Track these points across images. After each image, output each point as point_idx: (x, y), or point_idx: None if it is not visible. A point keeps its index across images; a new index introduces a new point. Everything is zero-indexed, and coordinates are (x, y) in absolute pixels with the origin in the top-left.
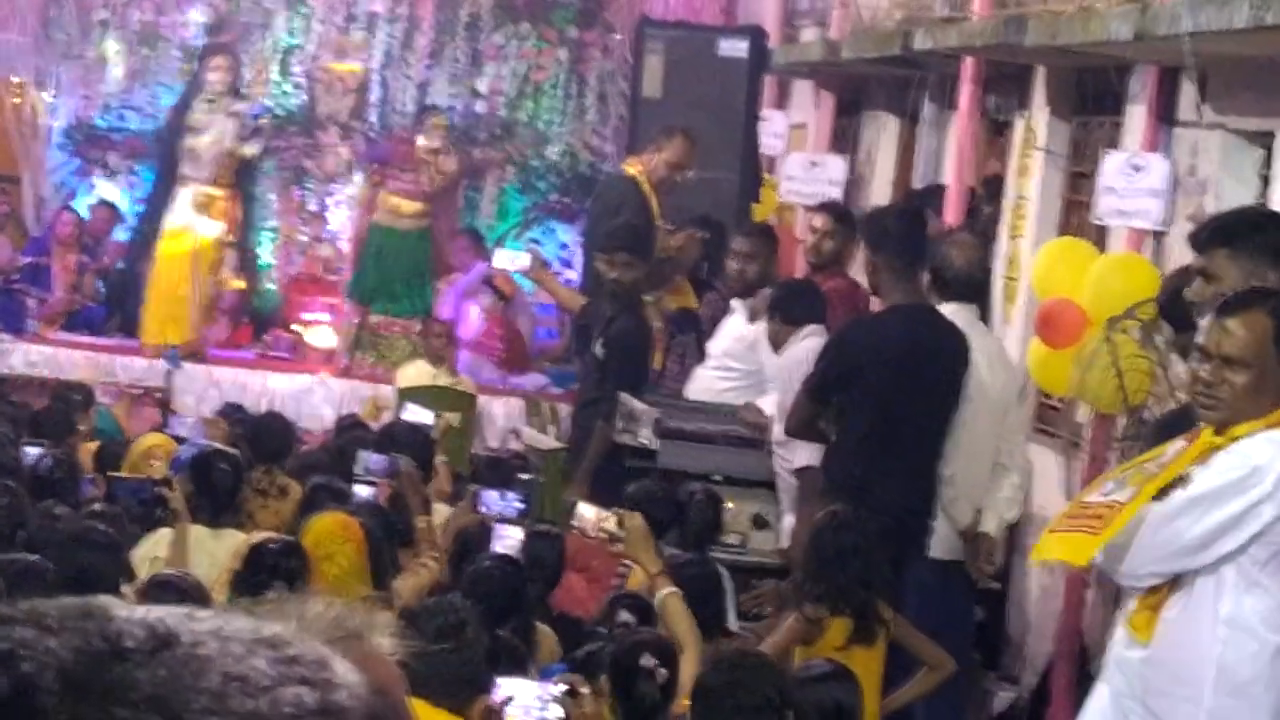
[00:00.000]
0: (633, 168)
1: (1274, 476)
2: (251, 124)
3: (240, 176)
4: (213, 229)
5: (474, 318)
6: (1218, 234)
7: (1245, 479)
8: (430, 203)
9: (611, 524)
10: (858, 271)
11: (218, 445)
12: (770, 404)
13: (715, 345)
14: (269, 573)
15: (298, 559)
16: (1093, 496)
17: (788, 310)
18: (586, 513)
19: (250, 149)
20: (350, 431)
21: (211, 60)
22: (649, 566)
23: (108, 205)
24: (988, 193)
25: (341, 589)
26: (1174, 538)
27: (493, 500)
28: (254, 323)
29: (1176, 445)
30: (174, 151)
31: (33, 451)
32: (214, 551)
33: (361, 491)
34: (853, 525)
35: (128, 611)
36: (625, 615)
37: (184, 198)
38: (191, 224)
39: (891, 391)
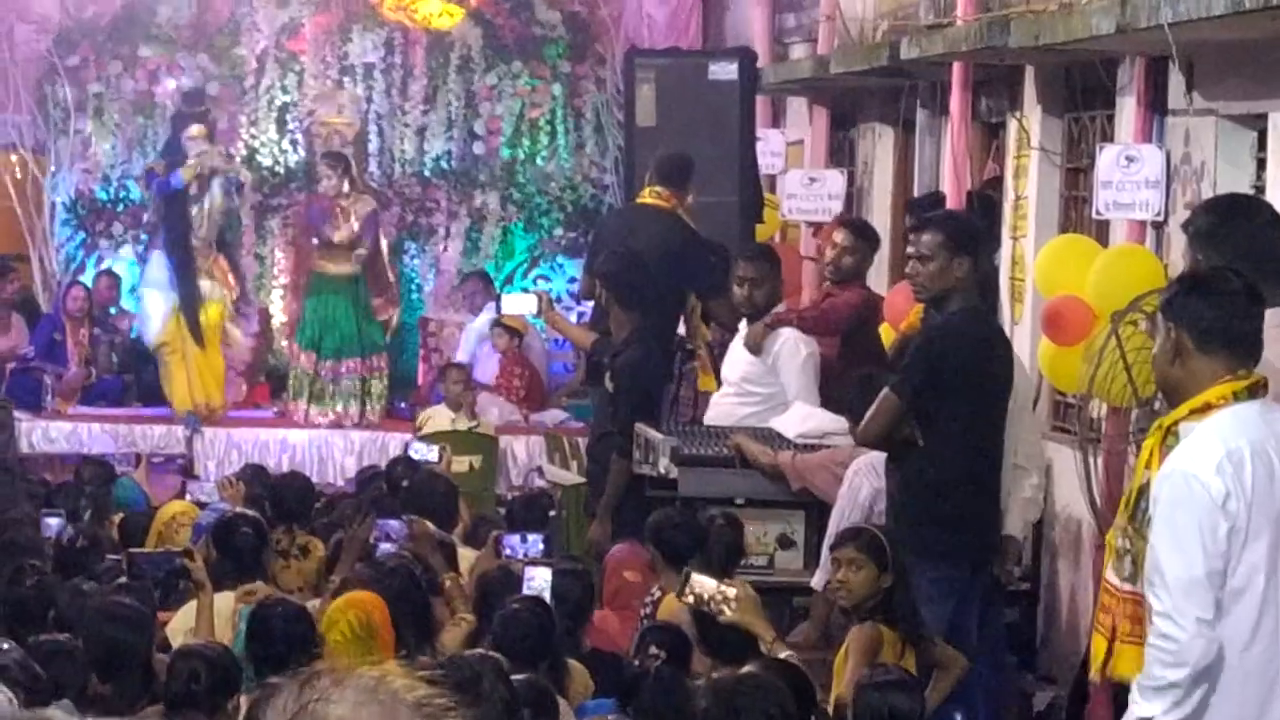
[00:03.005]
0: (665, 201)
1: (1205, 468)
2: (234, 186)
3: (223, 234)
4: (218, 292)
5: (489, 359)
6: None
7: (1183, 494)
8: (356, 244)
9: (730, 592)
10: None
11: (239, 509)
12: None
13: (730, 371)
14: (278, 640)
15: (304, 624)
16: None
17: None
18: (706, 583)
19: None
20: (372, 485)
21: (189, 129)
22: (764, 634)
23: (110, 274)
24: (981, 204)
25: (350, 652)
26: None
27: (515, 544)
28: (270, 381)
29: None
30: (183, 220)
31: (54, 523)
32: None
33: (386, 546)
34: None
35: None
36: (655, 649)
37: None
38: (205, 290)
39: (979, 394)
